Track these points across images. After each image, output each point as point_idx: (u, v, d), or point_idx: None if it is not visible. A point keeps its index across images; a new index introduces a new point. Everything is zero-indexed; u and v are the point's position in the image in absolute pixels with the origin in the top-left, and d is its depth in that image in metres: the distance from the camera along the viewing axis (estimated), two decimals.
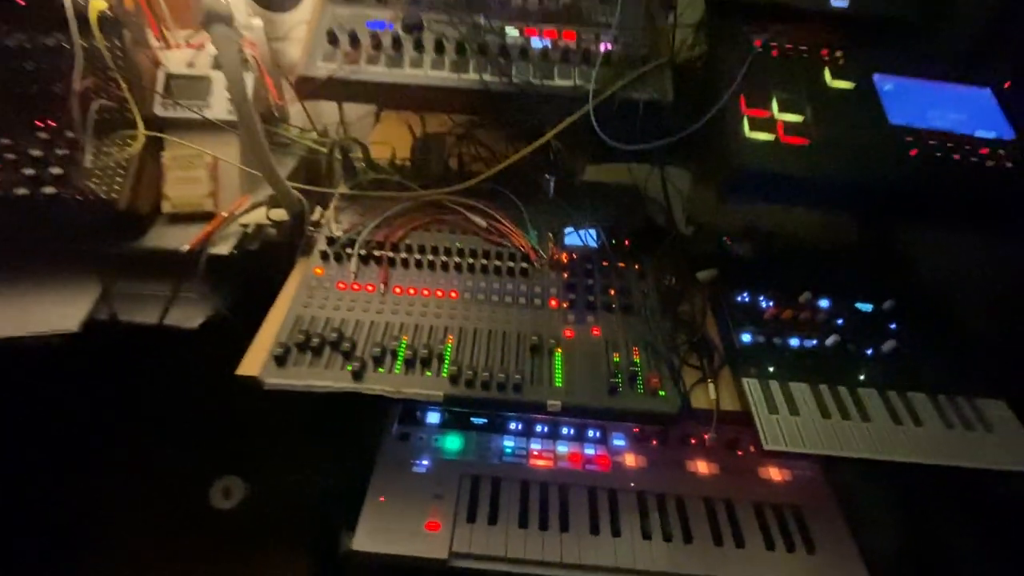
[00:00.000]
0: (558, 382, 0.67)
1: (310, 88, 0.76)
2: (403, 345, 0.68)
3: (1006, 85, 0.80)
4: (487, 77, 0.77)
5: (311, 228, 0.86)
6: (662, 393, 0.67)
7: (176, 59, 0.94)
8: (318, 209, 0.88)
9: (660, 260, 0.85)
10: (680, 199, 0.94)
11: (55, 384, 0.90)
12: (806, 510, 0.79)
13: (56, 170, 0.78)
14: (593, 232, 0.86)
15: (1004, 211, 0.72)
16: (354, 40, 0.78)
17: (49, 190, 0.76)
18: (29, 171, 0.77)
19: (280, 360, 0.66)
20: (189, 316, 0.84)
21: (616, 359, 0.70)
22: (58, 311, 0.79)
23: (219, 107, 0.90)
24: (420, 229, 0.85)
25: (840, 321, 0.78)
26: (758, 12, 0.89)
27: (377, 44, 0.78)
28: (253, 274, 0.88)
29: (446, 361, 0.67)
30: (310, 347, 0.67)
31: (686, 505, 0.78)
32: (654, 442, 0.84)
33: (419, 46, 0.79)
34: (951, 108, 0.76)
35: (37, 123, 0.81)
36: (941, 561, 0.82)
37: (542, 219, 0.87)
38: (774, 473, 0.83)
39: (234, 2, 0.95)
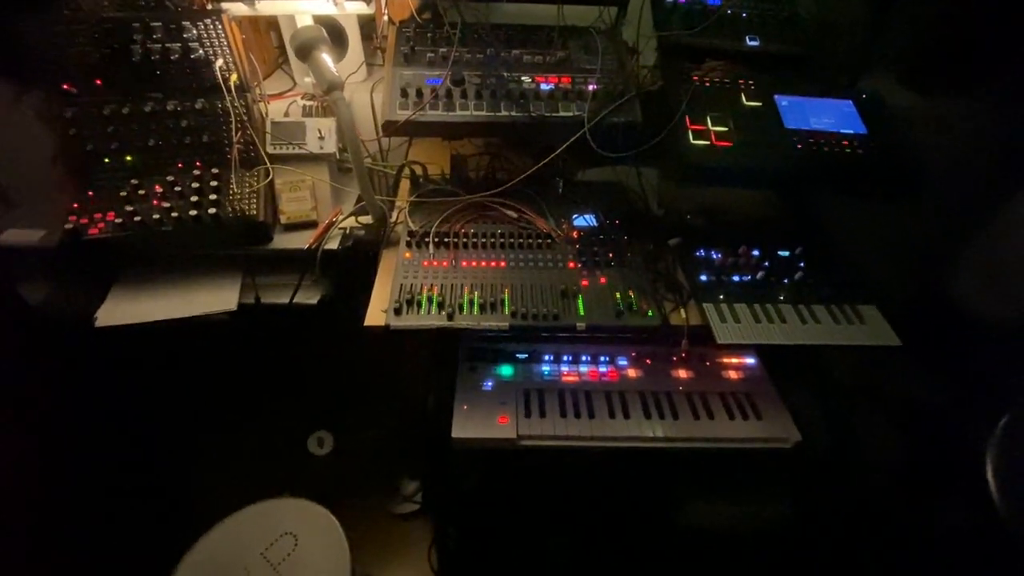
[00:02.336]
0: (581, 312, 1.01)
1: (393, 128, 1.10)
2: (476, 297, 1.02)
3: (863, 96, 1.18)
4: (513, 113, 1.12)
5: (391, 227, 1.19)
6: (651, 313, 1.02)
7: (274, 110, 1.27)
8: (393, 214, 1.21)
9: (641, 233, 1.21)
10: (651, 190, 1.31)
11: (216, 350, 1.22)
12: (755, 395, 1.14)
13: (213, 196, 1.09)
14: (592, 216, 1.22)
15: (860, 183, 1.10)
16: (419, 93, 1.12)
17: (212, 211, 1.08)
18: (194, 199, 1.09)
19: (397, 311, 0.99)
20: (309, 296, 1.17)
21: (618, 296, 1.05)
22: (220, 296, 1.10)
23: (312, 143, 1.23)
24: (471, 222, 1.19)
25: (767, 264, 1.14)
26: (697, 54, 1.27)
27: (435, 94, 1.12)
28: (348, 264, 1.21)
29: (506, 304, 1.01)
30: (416, 302, 1.00)
31: (673, 398, 1.13)
32: (648, 361, 1.19)
33: (464, 95, 1.13)
34: (825, 115, 1.14)
35: (190, 165, 1.13)
36: (836, 417, 1.19)
37: (556, 209, 1.22)
38: (732, 374, 1.18)
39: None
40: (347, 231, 1.19)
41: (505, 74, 1.17)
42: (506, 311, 1.00)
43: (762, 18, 1.29)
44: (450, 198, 1.21)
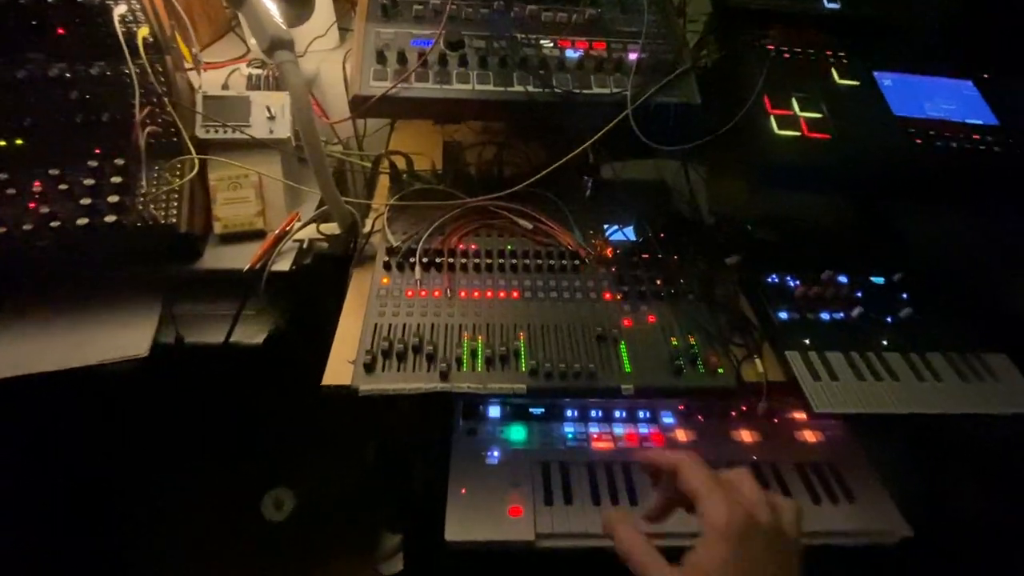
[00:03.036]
0: (627, 368, 0.73)
1: (364, 105, 0.80)
2: (480, 344, 0.73)
3: (984, 76, 0.91)
4: (530, 88, 0.82)
5: (364, 239, 0.89)
6: (721, 370, 0.74)
7: (210, 82, 0.96)
8: (368, 221, 0.91)
9: (690, 249, 0.92)
10: (702, 190, 1.03)
11: (121, 406, 0.91)
12: (841, 467, 0.88)
13: (113, 198, 0.79)
14: (630, 227, 0.93)
15: (994, 190, 0.82)
16: (402, 58, 0.81)
17: (110, 218, 0.77)
18: (86, 201, 0.78)
19: (369, 367, 0.70)
20: (252, 333, 0.87)
21: (675, 343, 0.76)
22: (126, 336, 0.80)
23: (259, 126, 0.92)
24: (471, 234, 0.89)
25: (859, 294, 0.87)
26: (758, 17, 0.98)
27: (423, 61, 0.82)
28: (307, 288, 0.91)
29: (523, 356, 0.72)
30: (395, 353, 0.71)
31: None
32: (700, 417, 0.92)
33: (463, 62, 0.83)
34: (941, 99, 0.86)
35: (87, 154, 0.82)
36: (956, 500, 0.93)
37: (582, 217, 0.93)
38: (809, 435, 0.91)
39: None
40: (304, 244, 0.89)
41: (519, 35, 0.87)
42: (523, 367, 0.72)
43: None
44: (443, 202, 0.91)
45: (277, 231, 0.89)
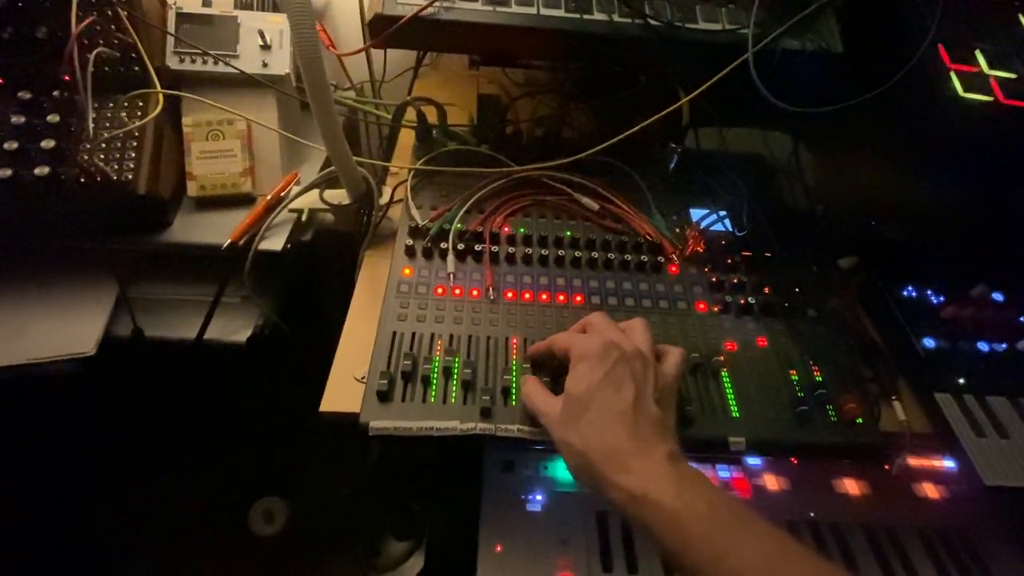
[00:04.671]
0: (735, 412, 0.54)
1: (387, 29, 0.58)
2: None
3: None
4: (616, 18, 0.60)
5: (379, 212, 0.69)
6: (860, 420, 0.55)
7: None
8: (386, 189, 0.71)
9: (800, 247, 0.72)
10: (810, 172, 0.81)
11: (69, 411, 0.73)
12: (973, 532, 0.69)
13: (48, 143, 0.58)
14: (724, 213, 0.72)
15: None
16: None
17: (42, 170, 0.57)
18: (11, 145, 0.57)
19: (384, 395, 0.51)
20: (234, 328, 0.68)
21: (795, 377, 0.57)
22: (69, 330, 0.61)
23: (250, 58, 0.71)
24: (519, 213, 0.69)
25: (1022, 318, 0.67)
26: None
27: None
28: (305, 272, 0.72)
29: None
30: (418, 376, 0.52)
31: (845, 536, 0.67)
32: (793, 459, 0.73)
33: None
34: None
35: (18, 82, 0.61)
36: None
37: (665, 198, 0.72)
38: (930, 490, 0.72)
39: None
40: (303, 216, 0.69)
41: None
42: None
43: None
44: (484, 169, 0.70)
45: (269, 197, 0.69)
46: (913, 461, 0.75)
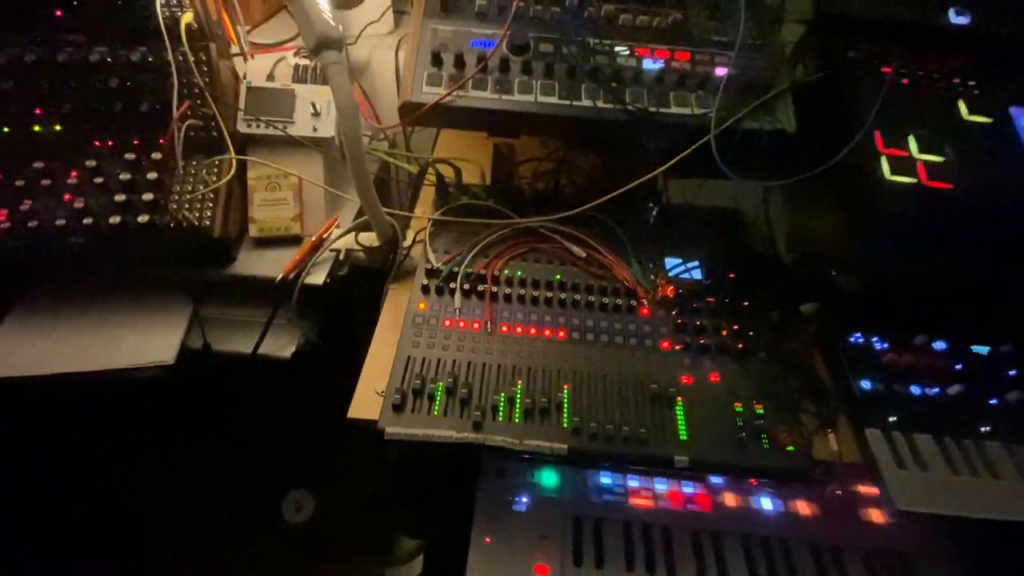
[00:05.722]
0: (683, 435, 0.65)
1: (415, 114, 0.72)
2: (520, 392, 0.66)
3: None
4: (600, 104, 0.73)
5: (402, 253, 0.83)
6: (791, 448, 0.65)
7: (256, 71, 0.90)
8: (409, 233, 0.85)
9: (764, 293, 0.82)
10: (782, 224, 0.91)
11: (149, 410, 0.89)
12: (914, 560, 0.77)
13: (148, 196, 0.75)
14: (695, 263, 0.83)
15: None
16: (459, 62, 0.73)
17: (143, 218, 0.73)
18: (120, 197, 0.74)
19: (398, 407, 0.64)
20: (281, 345, 0.82)
21: (739, 409, 0.68)
22: (153, 342, 0.77)
23: (303, 123, 0.86)
24: (517, 258, 0.82)
25: (959, 366, 0.75)
26: (866, 30, 0.84)
27: (484, 67, 0.73)
28: (342, 300, 0.86)
29: (565, 411, 0.65)
30: (426, 393, 0.65)
31: (792, 551, 0.76)
32: (752, 480, 0.83)
33: (527, 69, 0.74)
34: None
35: (124, 145, 0.78)
36: None
37: (642, 248, 0.83)
38: (877, 515, 0.81)
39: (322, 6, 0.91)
40: (341, 254, 0.84)
41: (592, 41, 0.77)
42: (564, 422, 0.65)
43: None
44: (491, 220, 0.83)
45: (314, 238, 0.84)
46: (863, 488, 0.84)
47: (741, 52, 0.77)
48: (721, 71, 0.76)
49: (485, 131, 0.80)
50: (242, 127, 0.84)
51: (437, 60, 0.73)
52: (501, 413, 0.65)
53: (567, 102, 0.73)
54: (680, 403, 0.67)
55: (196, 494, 1.06)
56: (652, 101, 0.74)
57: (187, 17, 0.76)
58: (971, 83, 0.76)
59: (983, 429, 0.70)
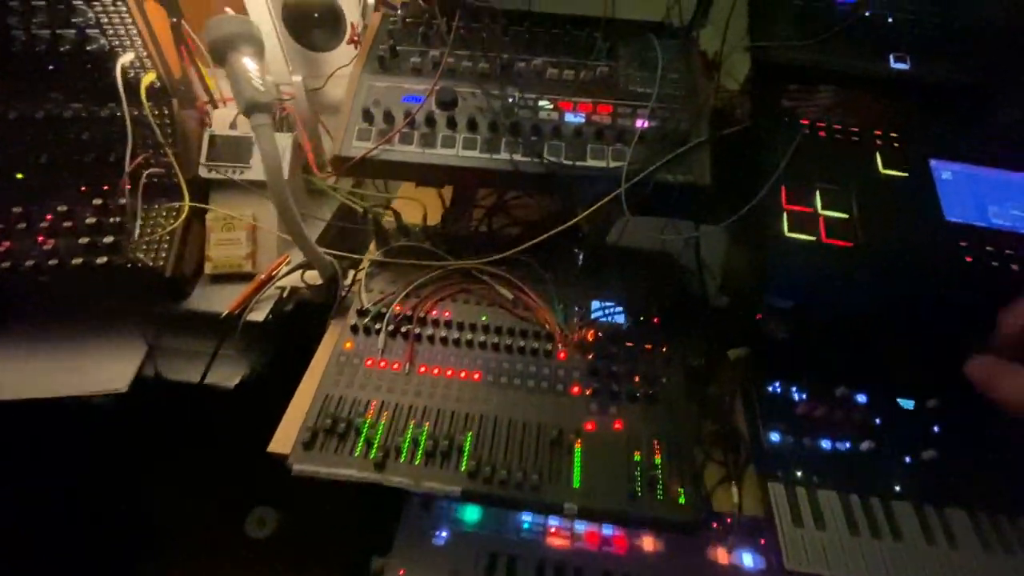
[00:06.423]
0: (576, 483, 0.67)
1: (344, 166, 0.78)
2: (424, 434, 0.70)
3: None
4: (517, 157, 0.77)
5: (344, 290, 0.88)
6: (682, 500, 0.66)
7: (220, 119, 0.98)
8: (352, 272, 0.90)
9: (691, 337, 0.83)
10: (716, 264, 0.92)
11: (105, 434, 0.97)
12: None
13: (109, 239, 0.82)
14: (620, 306, 0.85)
15: None
16: (388, 118, 0.78)
17: (102, 259, 0.81)
18: (84, 240, 0.82)
19: (307, 445, 0.69)
20: (227, 375, 0.89)
21: (637, 458, 0.69)
22: (110, 371, 0.84)
23: (258, 168, 0.93)
24: (448, 299, 0.85)
25: (878, 420, 0.75)
26: (808, 77, 0.85)
27: (412, 121, 0.78)
28: (289, 333, 0.92)
29: (465, 454, 0.68)
30: (337, 432, 0.70)
31: None
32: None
33: (452, 123, 0.78)
34: (1015, 203, 0.71)
35: (94, 191, 0.86)
36: None
37: (569, 292, 0.86)
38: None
39: (277, 58, 0.98)
40: (285, 292, 0.90)
41: (517, 95, 0.81)
42: (463, 466, 0.68)
43: (918, 25, 0.85)
44: (426, 262, 0.88)
45: (263, 276, 0.90)
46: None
47: (661, 104, 0.80)
48: (642, 123, 0.79)
49: (411, 181, 0.84)
50: (203, 172, 0.92)
51: (368, 115, 0.79)
52: (404, 454, 0.68)
53: (487, 155, 0.77)
54: (579, 449, 0.69)
55: (161, 512, 1.13)
56: (569, 154, 0.77)
57: (148, 78, 0.84)
58: (893, 135, 0.76)
59: (895, 488, 0.69)
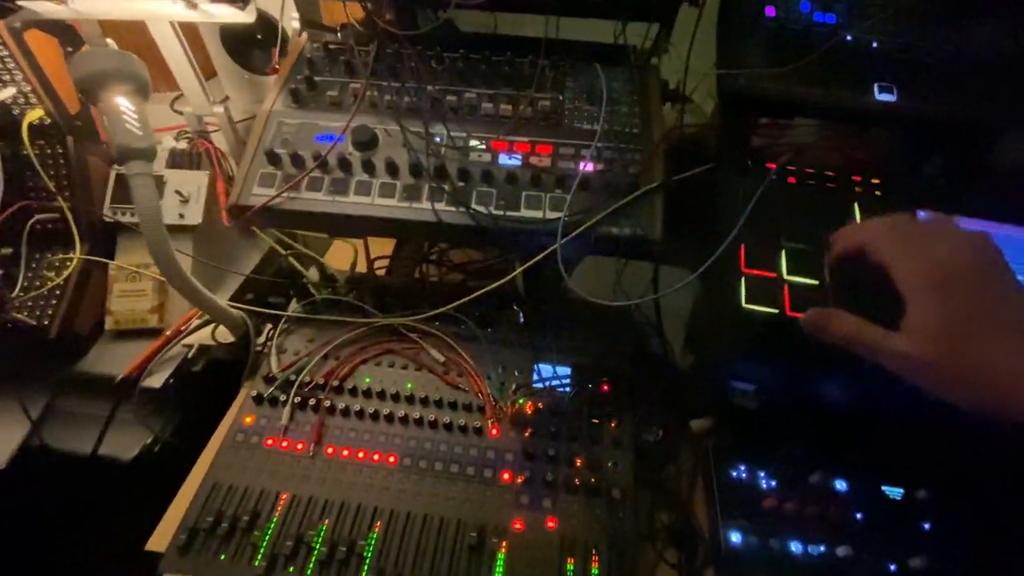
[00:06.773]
0: None
1: (242, 216, 0.68)
2: (321, 535, 0.59)
3: None
4: (440, 207, 0.67)
5: (259, 348, 0.78)
6: None
7: None
8: (268, 327, 0.80)
9: (648, 405, 0.72)
10: (683, 314, 0.82)
11: None
12: None
13: None
14: (566, 371, 0.75)
15: None
16: (297, 160, 0.68)
17: None
18: None
19: (183, 548, 0.58)
20: (124, 447, 0.78)
21: (570, 567, 0.58)
22: None
23: (169, 210, 0.83)
24: (370, 362, 0.75)
25: (859, 515, 0.64)
26: (782, 109, 0.75)
27: (323, 164, 0.69)
28: (199, 397, 0.82)
29: (366, 563, 0.58)
30: (218, 533, 0.59)
31: None
32: None
33: (370, 167, 0.69)
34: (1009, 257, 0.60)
35: None
36: None
37: (509, 353, 0.76)
38: None
39: (196, 90, 0.89)
40: (191, 351, 0.80)
41: (444, 132, 0.71)
42: (363, 574, 0.57)
43: (907, 50, 0.75)
44: (350, 318, 0.78)
45: (169, 333, 0.80)
46: None
47: (611, 144, 0.70)
48: (585, 166, 0.68)
49: (323, 233, 0.75)
50: (108, 213, 0.82)
51: (274, 158, 0.69)
52: (294, 563, 0.58)
53: (406, 204, 0.67)
54: (502, 556, 0.59)
55: None
56: (500, 203, 0.67)
57: (33, 115, 0.74)
58: (874, 181, 0.66)
59: None
